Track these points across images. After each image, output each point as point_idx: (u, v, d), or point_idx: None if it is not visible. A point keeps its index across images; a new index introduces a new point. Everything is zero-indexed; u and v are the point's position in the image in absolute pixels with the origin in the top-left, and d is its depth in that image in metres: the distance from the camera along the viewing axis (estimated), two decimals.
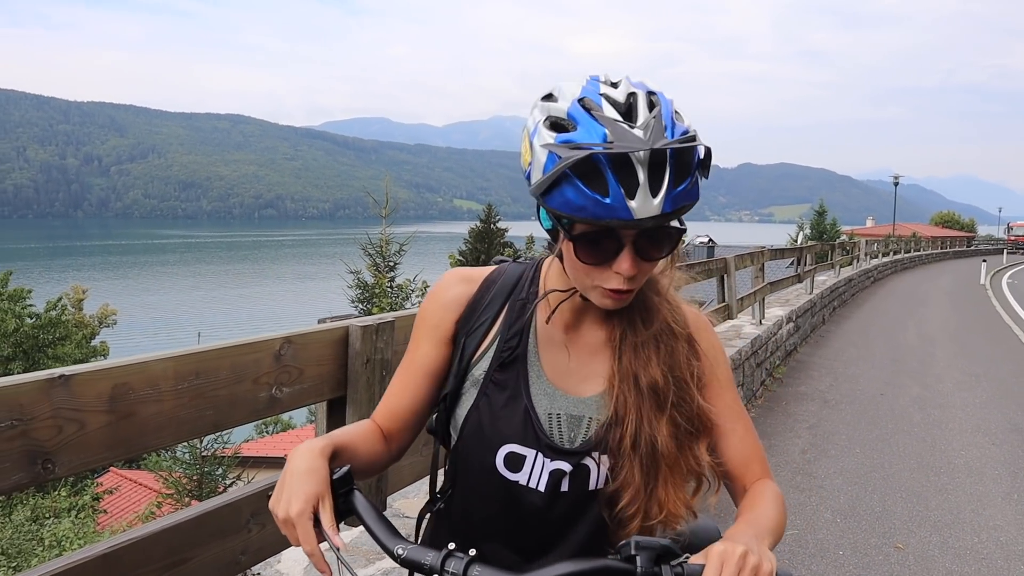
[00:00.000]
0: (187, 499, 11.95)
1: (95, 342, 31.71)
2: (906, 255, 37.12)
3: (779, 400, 8.62)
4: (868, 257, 27.09)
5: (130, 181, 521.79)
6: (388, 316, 2.63)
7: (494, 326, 1.37)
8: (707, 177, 1.18)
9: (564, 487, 1.30)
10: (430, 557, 1.09)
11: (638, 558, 1.04)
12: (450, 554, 1.09)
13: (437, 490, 1.43)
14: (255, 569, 2.88)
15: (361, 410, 2.45)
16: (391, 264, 18.93)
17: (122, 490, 17.25)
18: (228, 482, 12.64)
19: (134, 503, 16.25)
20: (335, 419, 2.51)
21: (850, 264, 23.12)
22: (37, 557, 10.12)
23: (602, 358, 1.34)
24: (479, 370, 1.35)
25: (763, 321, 9.65)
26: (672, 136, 1.11)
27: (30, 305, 25.14)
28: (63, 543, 10.61)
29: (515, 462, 1.30)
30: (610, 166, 1.08)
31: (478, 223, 35.93)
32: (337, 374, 2.45)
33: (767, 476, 1.38)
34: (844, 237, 39.69)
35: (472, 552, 1.10)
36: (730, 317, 8.31)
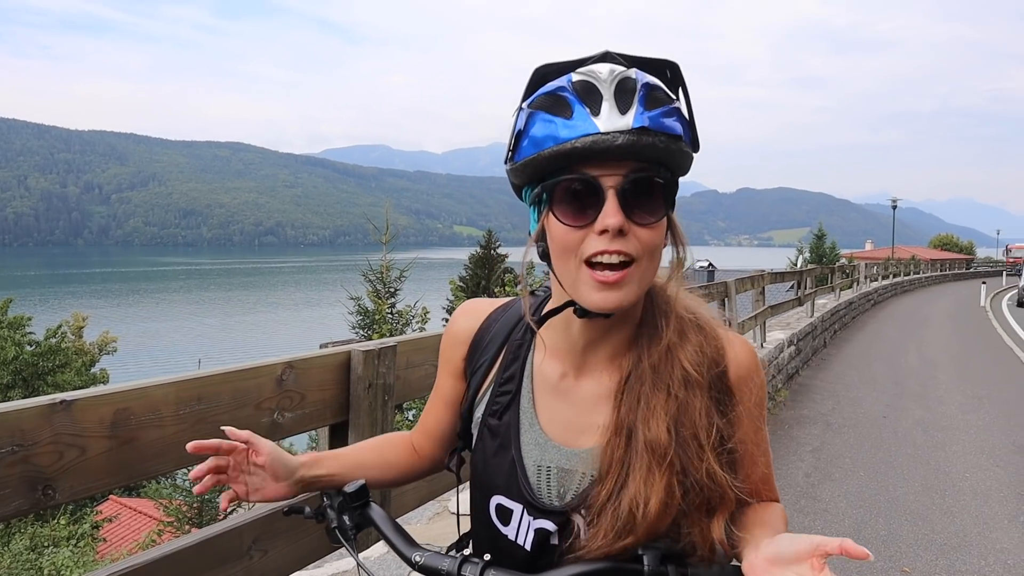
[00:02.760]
0: (187, 527, 11.87)
1: (95, 369, 31.62)
2: (905, 278, 37.17)
3: (782, 424, 8.58)
4: (868, 280, 27.11)
5: (131, 209, 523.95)
6: (390, 341, 2.62)
7: (493, 367, 1.29)
8: (686, 95, 1.10)
9: (553, 541, 1.17)
10: (447, 563, 1.10)
11: (645, 557, 1.06)
12: (466, 560, 1.10)
13: (461, 532, 1.38)
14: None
15: (363, 435, 2.43)
16: (392, 290, 18.90)
17: (122, 518, 17.13)
18: (229, 509, 12.56)
19: (134, 531, 16.14)
20: (337, 444, 2.49)
21: (850, 287, 23.13)
22: None
23: (604, 408, 1.17)
24: (479, 411, 1.29)
25: (764, 344, 9.64)
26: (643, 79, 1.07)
27: (30, 333, 25.19)
28: (63, 572, 10.53)
29: (504, 514, 1.22)
30: (575, 93, 1.04)
31: (478, 249, 36.00)
32: (339, 399, 2.43)
33: (775, 500, 1.31)
34: (844, 260, 39.72)
35: (487, 557, 1.12)
36: None
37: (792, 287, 15.49)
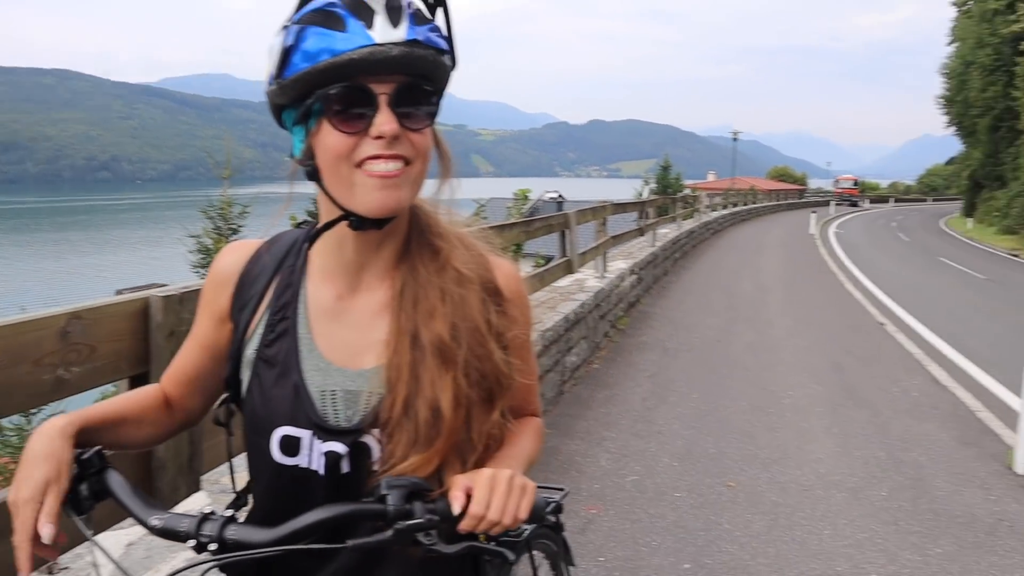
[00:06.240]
0: None
1: None
2: (744, 208, 38.95)
3: (622, 351, 8.86)
4: (709, 210, 28.25)
5: None
6: (193, 284, 2.46)
7: (264, 299, 1.25)
8: (446, 14, 1.13)
9: (345, 468, 1.16)
10: (185, 523, 1.03)
11: (388, 497, 1.03)
12: (207, 518, 1.04)
13: (237, 489, 1.31)
14: (64, 560, 2.67)
15: None
16: (234, 227, 18.17)
17: None
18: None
19: None
20: None
21: (691, 217, 24.01)
22: None
23: (383, 322, 1.19)
24: (251, 348, 1.24)
25: (606, 274, 9.87)
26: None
27: None
28: None
29: (291, 446, 1.18)
30: (346, 8, 1.05)
31: None
32: (137, 349, 2.26)
33: (536, 414, 1.40)
34: (687, 191, 41.19)
35: (229, 512, 1.05)
36: (572, 271, 8.43)
37: (635, 218, 15.89)
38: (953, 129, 55.88)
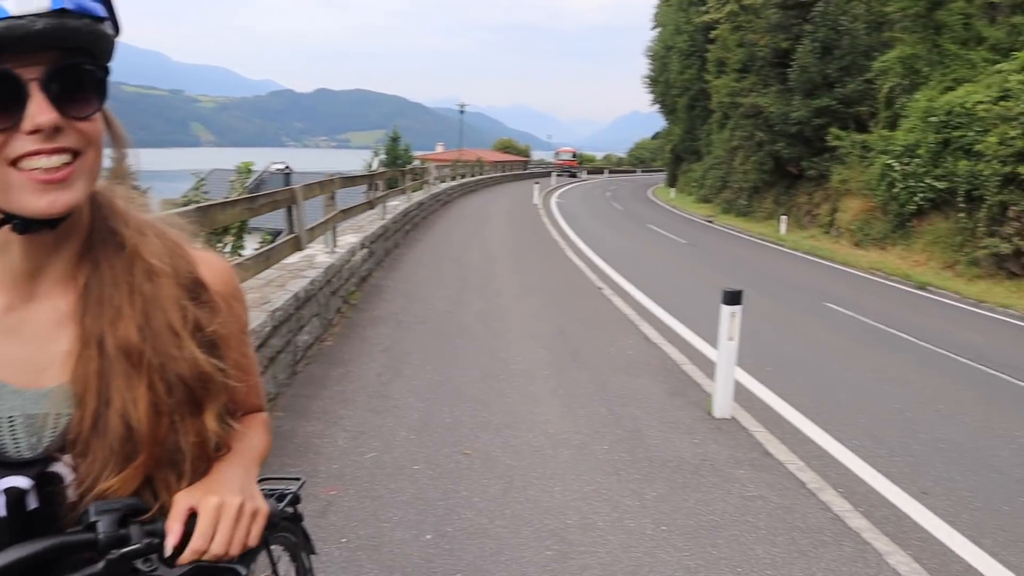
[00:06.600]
0: None
1: None
2: (472, 179, 39.94)
3: (355, 326, 8.78)
4: (438, 182, 28.65)
5: None
6: None
7: None
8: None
9: (33, 505, 0.97)
10: None
11: (98, 524, 0.91)
12: None
13: None
14: None
15: None
16: None
17: None
18: None
19: None
20: None
21: (421, 189, 24.24)
22: None
23: (67, 331, 1.02)
24: None
25: (336, 249, 9.70)
26: None
27: None
28: None
29: None
30: None
31: None
32: None
33: (260, 409, 1.31)
34: (416, 162, 41.45)
35: None
36: (300, 248, 8.18)
37: (365, 190, 15.76)
38: (657, 107, 60.84)
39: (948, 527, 4.77)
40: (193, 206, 5.73)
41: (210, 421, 1.06)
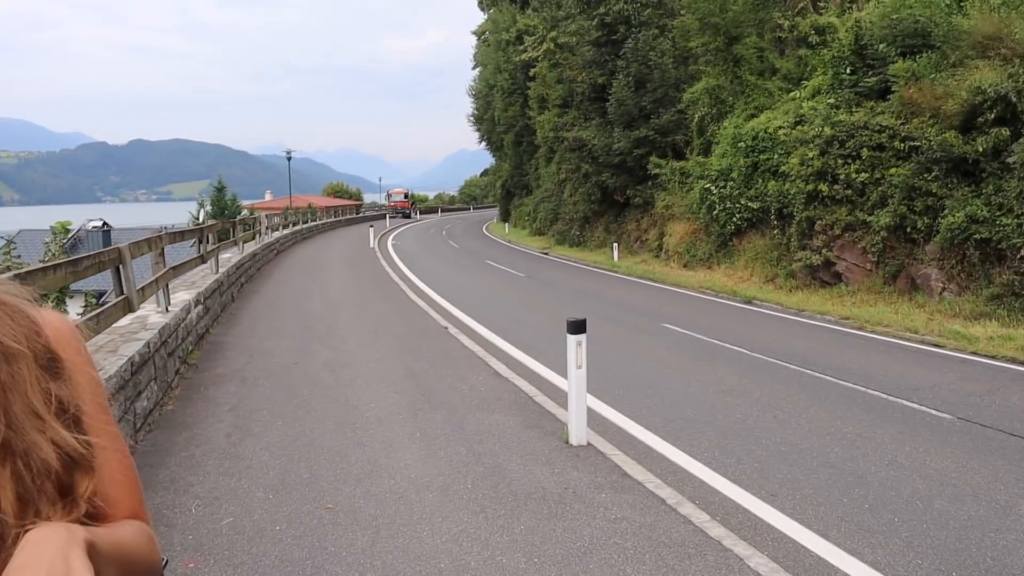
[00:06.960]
0: None
1: None
2: (305, 226, 39.23)
3: (197, 386, 8.39)
4: (270, 231, 27.94)
5: None
6: None
7: None
8: None
9: None
10: None
11: None
12: None
13: None
14: None
15: None
16: None
17: None
18: None
19: None
20: None
21: (254, 239, 23.57)
22: None
23: None
24: None
25: (170, 308, 9.26)
26: None
27: None
28: None
29: None
30: None
31: None
32: None
33: (140, 514, 1.15)
34: (245, 212, 40.29)
35: None
36: (132, 310, 7.75)
37: (194, 244, 15.16)
38: (484, 144, 61.93)
39: (797, 524, 5.07)
40: (11, 273, 5.33)
41: (84, 493, 0.99)
